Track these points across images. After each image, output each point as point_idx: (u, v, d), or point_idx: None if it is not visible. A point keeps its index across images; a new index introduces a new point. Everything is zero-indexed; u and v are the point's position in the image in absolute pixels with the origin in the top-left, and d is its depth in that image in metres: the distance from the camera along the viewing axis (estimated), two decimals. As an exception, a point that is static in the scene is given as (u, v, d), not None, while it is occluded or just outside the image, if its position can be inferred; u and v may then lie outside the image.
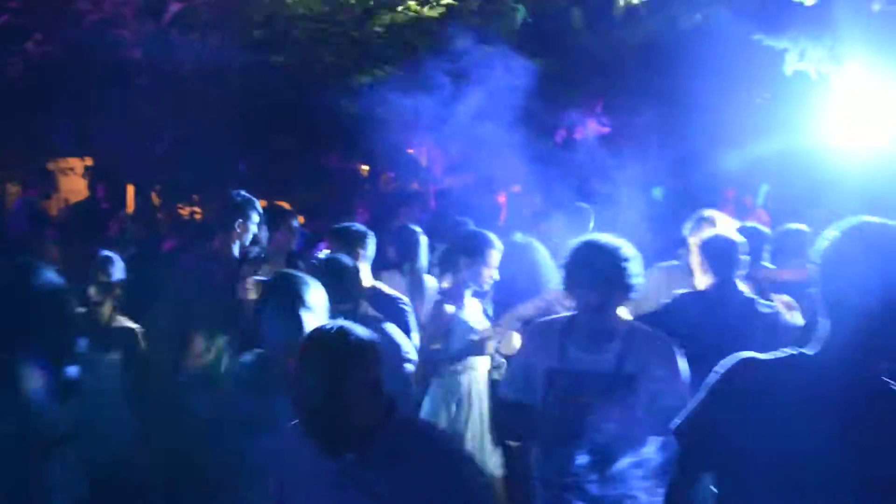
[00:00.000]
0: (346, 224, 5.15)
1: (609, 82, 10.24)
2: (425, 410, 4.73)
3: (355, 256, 4.75)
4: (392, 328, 4.35)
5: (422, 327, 4.88)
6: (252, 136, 9.16)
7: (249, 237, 5.07)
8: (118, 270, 4.75)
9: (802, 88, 8.20)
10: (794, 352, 2.21)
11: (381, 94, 8.80)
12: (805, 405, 2.07)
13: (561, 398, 3.43)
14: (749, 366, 2.24)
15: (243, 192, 5.17)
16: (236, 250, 4.97)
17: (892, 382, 2.10)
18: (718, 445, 2.22)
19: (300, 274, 3.43)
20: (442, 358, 4.73)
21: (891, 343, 2.08)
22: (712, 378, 2.30)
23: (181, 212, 11.04)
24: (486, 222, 6.65)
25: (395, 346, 4.29)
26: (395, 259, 5.68)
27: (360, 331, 2.42)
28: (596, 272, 3.45)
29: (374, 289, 4.85)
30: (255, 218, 5.11)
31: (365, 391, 2.36)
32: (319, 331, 2.44)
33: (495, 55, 8.65)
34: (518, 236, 5.74)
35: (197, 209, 11.16)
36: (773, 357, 2.23)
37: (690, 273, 4.86)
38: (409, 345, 4.51)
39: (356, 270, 4.41)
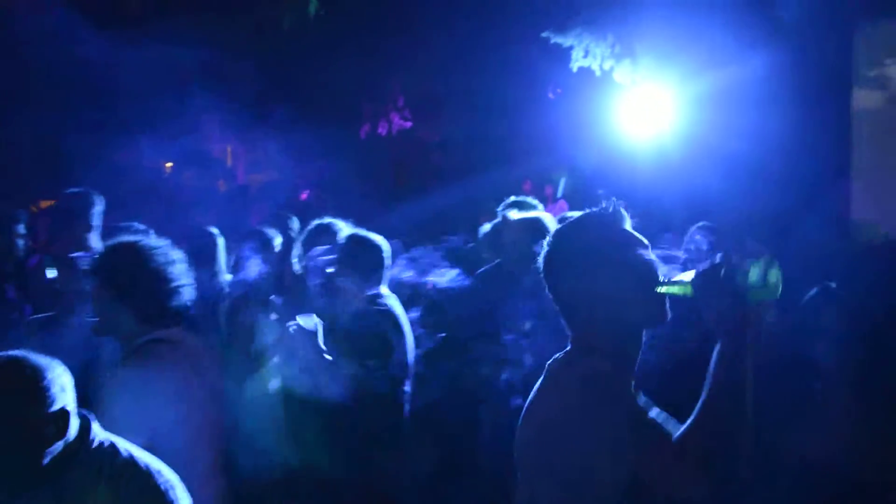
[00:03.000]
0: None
1: (410, 79, 10.42)
2: None
3: None
4: None
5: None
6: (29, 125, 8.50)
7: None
8: None
9: (592, 83, 8.72)
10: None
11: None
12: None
13: None
14: None
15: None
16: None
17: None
18: None
19: None
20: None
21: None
22: None
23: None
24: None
25: None
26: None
27: (36, 360, 2.16)
28: None
29: None
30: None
31: (47, 426, 2.14)
32: None
33: (295, 52, 8.57)
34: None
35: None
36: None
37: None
38: None
39: None
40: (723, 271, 1.77)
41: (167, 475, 2.33)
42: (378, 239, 3.95)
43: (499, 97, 9.41)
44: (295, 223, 6.15)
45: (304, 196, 9.59)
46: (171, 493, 2.30)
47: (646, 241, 1.99)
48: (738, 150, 8.24)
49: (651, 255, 1.97)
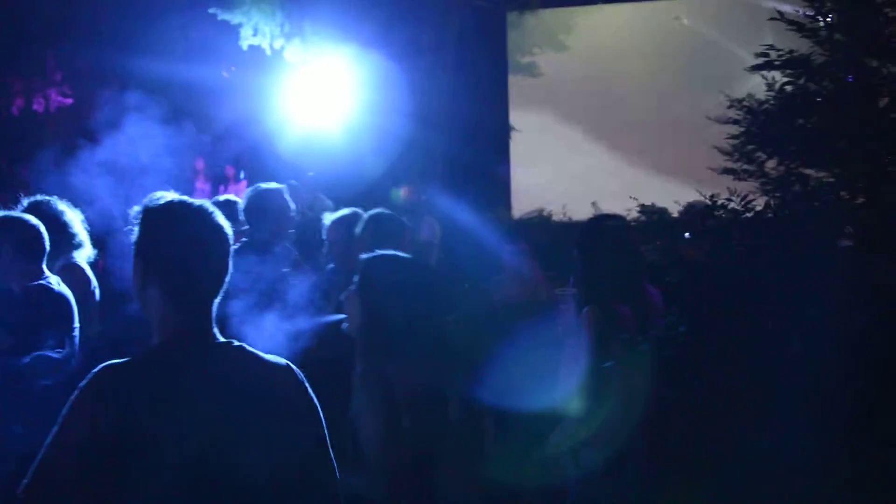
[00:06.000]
0: None
1: (68, 53, 9.62)
2: None
3: None
4: None
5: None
6: None
7: None
8: None
9: (265, 62, 8.59)
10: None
11: None
12: (167, 404, 1.83)
13: None
14: (106, 376, 1.86)
15: None
16: None
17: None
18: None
19: None
20: None
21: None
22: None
23: None
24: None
25: None
26: None
27: None
28: None
29: None
30: None
31: None
32: None
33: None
34: None
35: None
36: (135, 357, 1.91)
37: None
38: None
39: None
40: None
41: None
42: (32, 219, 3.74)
43: (168, 73, 8.96)
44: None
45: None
46: None
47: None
48: (408, 132, 8.59)
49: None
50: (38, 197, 4.10)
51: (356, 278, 2.81)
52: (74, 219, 4.10)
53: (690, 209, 4.67)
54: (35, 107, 9.83)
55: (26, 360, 3.37)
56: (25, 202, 4.06)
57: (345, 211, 4.53)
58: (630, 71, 9.35)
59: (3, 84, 9.78)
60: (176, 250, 1.91)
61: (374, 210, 4.20)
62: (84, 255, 4.12)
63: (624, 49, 9.45)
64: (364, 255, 2.89)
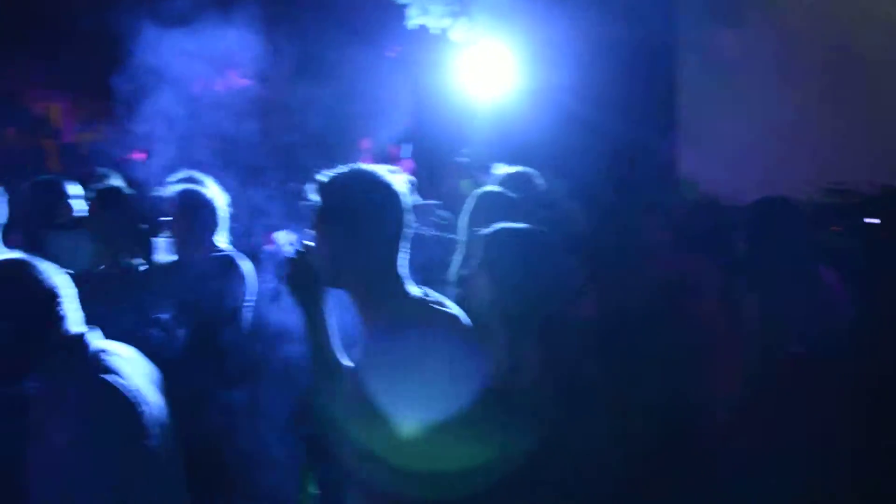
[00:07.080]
0: None
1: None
2: None
3: None
4: None
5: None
6: None
7: None
8: None
9: (431, 42, 8.69)
10: None
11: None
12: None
13: None
14: None
15: None
16: None
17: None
18: None
19: None
20: None
21: None
22: None
23: None
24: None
25: None
26: None
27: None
28: None
29: None
30: None
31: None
32: None
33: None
34: None
35: None
36: None
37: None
38: None
39: None
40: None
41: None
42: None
43: (336, 55, 9.21)
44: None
45: (137, 155, 9.08)
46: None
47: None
48: (573, 108, 8.45)
49: None
50: (191, 174, 4.14)
51: (479, 253, 2.60)
52: (221, 202, 4.10)
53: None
54: (217, 89, 10.36)
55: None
56: (176, 177, 4.10)
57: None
58: (809, 44, 8.77)
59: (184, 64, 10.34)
60: (353, 214, 2.09)
61: (485, 188, 3.99)
62: (224, 238, 4.11)
63: (802, 21, 8.88)
64: (485, 231, 2.66)
